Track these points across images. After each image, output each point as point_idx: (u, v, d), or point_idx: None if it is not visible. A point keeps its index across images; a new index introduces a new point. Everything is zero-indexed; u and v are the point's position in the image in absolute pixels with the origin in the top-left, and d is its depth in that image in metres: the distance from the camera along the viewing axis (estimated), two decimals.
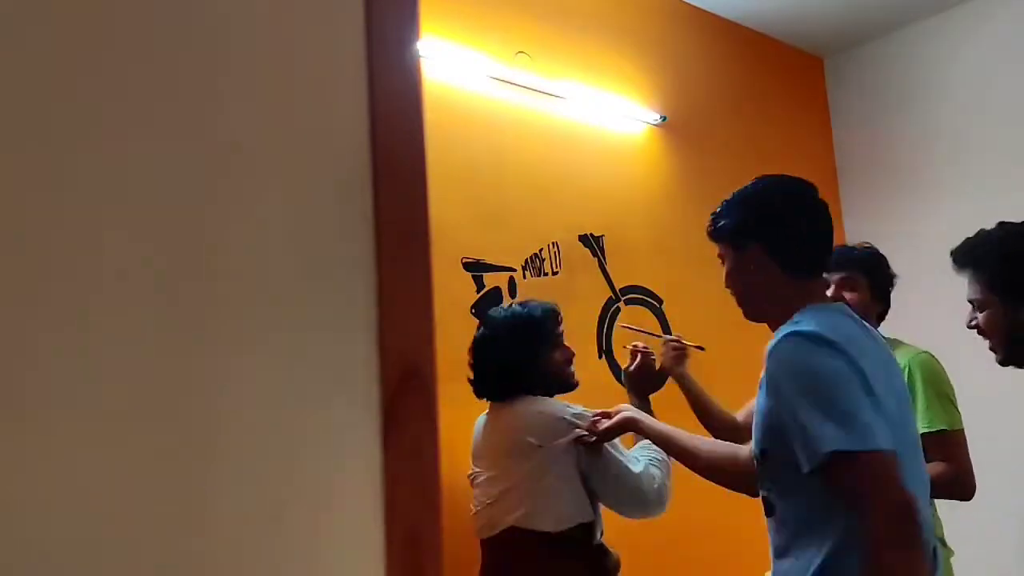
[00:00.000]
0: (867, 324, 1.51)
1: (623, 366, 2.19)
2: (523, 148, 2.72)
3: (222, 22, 0.57)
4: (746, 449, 1.60)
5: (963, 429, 2.02)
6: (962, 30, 3.48)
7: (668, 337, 2.20)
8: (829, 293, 2.06)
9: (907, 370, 2.05)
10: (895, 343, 2.13)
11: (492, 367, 2.01)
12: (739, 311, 1.72)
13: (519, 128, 2.72)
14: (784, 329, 1.38)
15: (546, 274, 2.71)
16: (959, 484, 1.94)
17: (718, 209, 1.62)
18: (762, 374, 1.41)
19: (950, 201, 3.42)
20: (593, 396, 2.70)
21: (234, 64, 0.57)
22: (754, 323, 1.59)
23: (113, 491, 0.49)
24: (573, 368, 2.12)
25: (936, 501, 1.91)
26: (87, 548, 0.48)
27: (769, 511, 1.45)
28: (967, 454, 1.99)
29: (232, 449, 0.53)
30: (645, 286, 2.97)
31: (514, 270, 2.63)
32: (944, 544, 1.99)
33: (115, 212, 0.51)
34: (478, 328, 2.10)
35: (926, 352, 2.13)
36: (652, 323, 2.96)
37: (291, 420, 0.56)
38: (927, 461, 1.86)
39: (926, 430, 1.94)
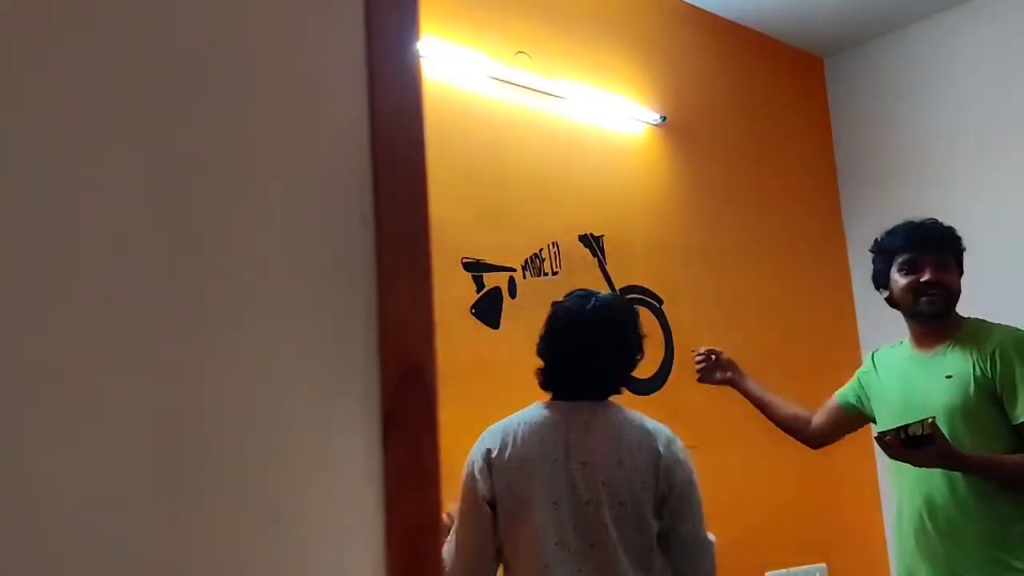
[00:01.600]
0: None
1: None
2: (523, 148, 2.72)
3: (221, 22, 0.57)
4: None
5: None
6: (962, 30, 3.48)
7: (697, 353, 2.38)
8: (926, 277, 2.06)
9: (1000, 352, 1.96)
10: (982, 323, 2.08)
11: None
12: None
13: (519, 128, 2.72)
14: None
15: (546, 274, 2.71)
16: None
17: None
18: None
19: (950, 200, 3.42)
20: None
21: (233, 64, 0.57)
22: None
23: (111, 491, 0.49)
24: None
25: None
26: (84, 548, 0.48)
27: None
28: None
29: (231, 449, 0.53)
30: (645, 286, 2.97)
31: (514, 270, 2.63)
32: None
33: (113, 212, 0.51)
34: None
35: (1020, 330, 2.03)
36: (651, 323, 2.96)
37: (291, 420, 0.56)
38: None
39: None
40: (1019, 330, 2.04)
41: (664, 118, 3.13)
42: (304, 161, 0.59)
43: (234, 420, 0.53)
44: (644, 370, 2.84)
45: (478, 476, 1.70)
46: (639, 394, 2.83)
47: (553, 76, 2.82)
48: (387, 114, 0.62)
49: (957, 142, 3.46)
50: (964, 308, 2.16)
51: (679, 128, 3.21)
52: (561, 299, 1.85)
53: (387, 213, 0.60)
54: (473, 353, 2.47)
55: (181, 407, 0.52)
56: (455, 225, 2.48)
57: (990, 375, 1.96)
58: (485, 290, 2.55)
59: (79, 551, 0.47)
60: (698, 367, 2.33)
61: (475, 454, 1.73)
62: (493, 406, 2.45)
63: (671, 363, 2.96)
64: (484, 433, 1.76)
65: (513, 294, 2.60)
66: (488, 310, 2.54)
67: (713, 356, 2.33)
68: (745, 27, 3.57)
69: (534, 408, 1.77)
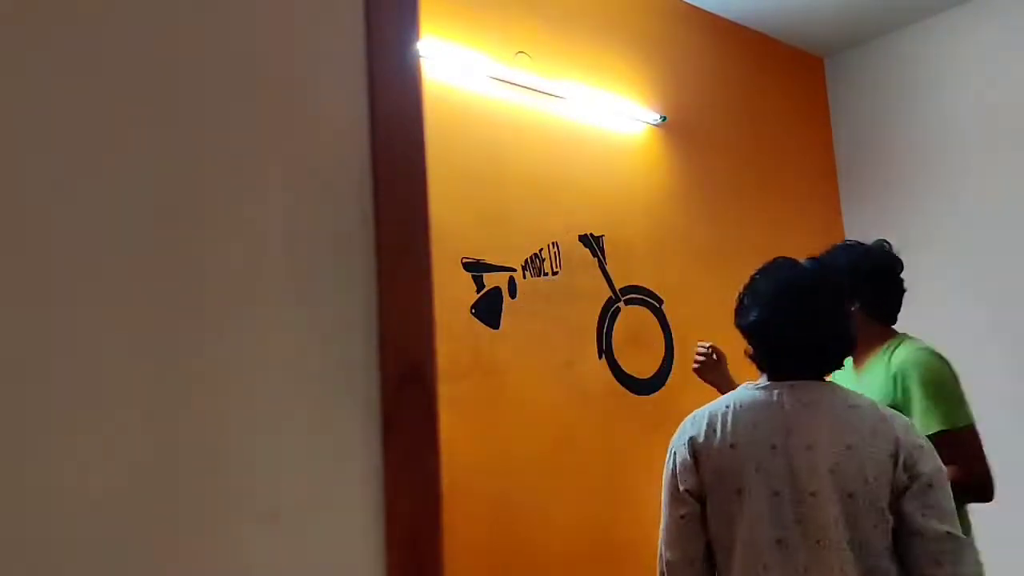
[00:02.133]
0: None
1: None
2: (523, 148, 2.72)
3: (222, 22, 0.57)
4: None
5: (971, 425, 1.91)
6: (962, 30, 3.48)
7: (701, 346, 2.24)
8: None
9: (899, 374, 1.97)
10: (901, 338, 2.09)
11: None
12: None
13: (519, 128, 2.72)
14: None
15: (546, 274, 2.71)
16: (972, 486, 1.85)
17: None
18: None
19: (950, 200, 3.42)
20: (593, 397, 2.71)
21: (234, 64, 0.57)
22: None
23: (112, 491, 0.49)
24: None
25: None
26: (86, 548, 0.48)
27: None
28: (977, 452, 1.89)
29: (232, 449, 0.53)
30: (645, 286, 2.97)
31: (514, 270, 2.63)
32: None
33: (113, 213, 0.51)
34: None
35: (923, 348, 2.02)
36: (651, 323, 2.96)
37: (291, 421, 0.56)
38: None
39: (925, 434, 1.91)
40: (921, 349, 2.02)
41: (664, 118, 3.14)
42: (304, 161, 0.59)
43: (233, 421, 0.53)
44: (644, 370, 2.84)
45: (681, 468, 1.51)
46: (639, 394, 2.84)
47: (553, 76, 2.82)
48: (387, 114, 0.62)
49: (957, 142, 3.46)
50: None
51: (679, 128, 3.21)
52: (759, 270, 1.66)
53: (387, 213, 0.60)
54: (473, 353, 2.47)
55: (180, 408, 0.52)
56: (455, 225, 2.48)
57: (894, 395, 1.97)
58: (485, 290, 2.55)
59: (80, 553, 0.47)
60: (699, 358, 2.22)
61: (676, 443, 1.55)
62: (493, 406, 2.46)
63: (671, 363, 2.96)
64: (685, 421, 1.59)
65: (513, 294, 2.60)
66: (488, 310, 2.54)
67: (715, 355, 2.23)
68: (745, 27, 3.57)
69: (742, 389, 1.58)
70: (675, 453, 1.54)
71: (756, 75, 3.59)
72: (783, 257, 1.64)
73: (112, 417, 0.49)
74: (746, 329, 1.59)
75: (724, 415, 1.52)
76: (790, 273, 1.59)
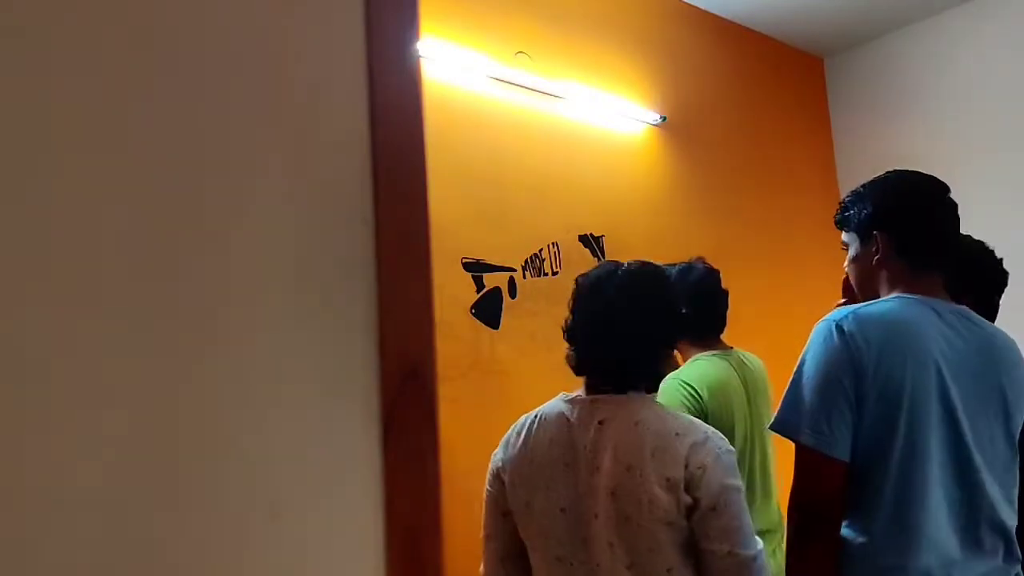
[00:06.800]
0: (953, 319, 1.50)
1: None
2: (523, 148, 2.72)
3: (221, 22, 0.57)
4: None
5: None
6: (962, 30, 3.48)
7: None
8: None
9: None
10: (727, 353, 2.07)
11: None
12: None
13: (519, 128, 2.72)
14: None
15: (546, 274, 2.71)
16: None
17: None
18: None
19: None
20: None
21: (234, 64, 0.57)
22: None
23: (112, 490, 0.49)
24: None
25: None
26: (86, 547, 0.48)
27: None
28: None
29: (232, 449, 0.53)
30: None
31: (514, 270, 2.63)
32: None
33: (112, 212, 0.51)
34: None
35: (674, 377, 1.97)
36: None
37: (291, 420, 0.56)
38: None
39: None
40: (672, 377, 1.95)
41: (664, 118, 3.13)
42: (304, 161, 0.59)
43: (234, 420, 0.53)
44: None
45: (492, 476, 1.57)
46: None
47: (553, 76, 2.82)
48: (387, 114, 0.62)
49: (957, 142, 3.46)
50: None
51: (679, 128, 3.21)
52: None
53: (387, 213, 0.60)
54: (473, 353, 2.47)
55: (181, 407, 0.52)
56: (455, 225, 2.48)
57: None
58: (485, 290, 2.55)
59: (79, 550, 0.47)
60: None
61: (498, 450, 1.59)
62: (493, 406, 2.46)
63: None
64: (511, 427, 1.61)
65: (513, 294, 2.60)
66: (488, 310, 2.54)
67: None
68: (745, 27, 3.57)
69: (555, 401, 1.56)
70: (493, 458, 1.58)
71: (756, 75, 3.59)
72: (611, 262, 1.61)
73: (112, 417, 0.49)
74: (566, 339, 1.57)
75: (530, 427, 1.53)
76: (596, 274, 1.57)
